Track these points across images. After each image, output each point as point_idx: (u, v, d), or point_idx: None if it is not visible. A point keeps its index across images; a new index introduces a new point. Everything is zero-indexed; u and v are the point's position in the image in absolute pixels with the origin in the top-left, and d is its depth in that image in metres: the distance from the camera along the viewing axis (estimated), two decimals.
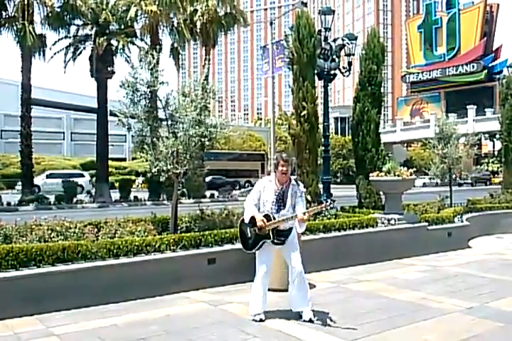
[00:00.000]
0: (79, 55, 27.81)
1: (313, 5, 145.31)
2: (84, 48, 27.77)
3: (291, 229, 5.38)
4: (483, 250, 10.61)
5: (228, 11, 29.42)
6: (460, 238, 10.64)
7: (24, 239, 6.42)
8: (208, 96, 7.29)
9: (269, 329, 5.14)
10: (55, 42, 26.77)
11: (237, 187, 38.23)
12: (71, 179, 27.83)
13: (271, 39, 21.14)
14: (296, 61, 10.63)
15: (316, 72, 11.28)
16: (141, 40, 28.41)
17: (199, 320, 5.46)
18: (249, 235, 5.41)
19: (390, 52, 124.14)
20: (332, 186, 12.43)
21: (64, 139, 58.52)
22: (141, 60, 7.29)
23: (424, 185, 48.70)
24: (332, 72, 11.95)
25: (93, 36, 26.18)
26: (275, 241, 5.30)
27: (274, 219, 5.24)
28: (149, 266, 6.47)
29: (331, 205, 5.22)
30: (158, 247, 6.68)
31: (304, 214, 5.20)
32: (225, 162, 42.50)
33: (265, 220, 5.24)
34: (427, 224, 10.07)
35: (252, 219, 5.34)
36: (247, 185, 41.94)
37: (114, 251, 6.37)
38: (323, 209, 5.27)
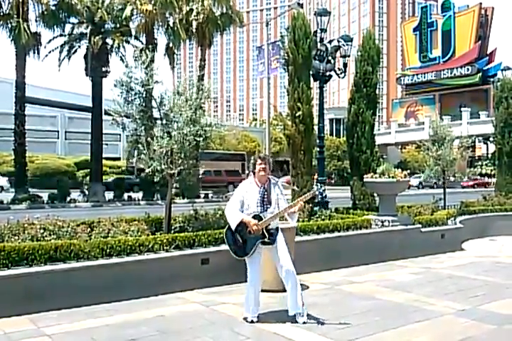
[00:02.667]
0: (74, 53, 27.74)
1: (309, 6, 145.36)
2: (79, 47, 27.71)
3: (277, 228, 5.41)
4: (477, 252, 10.64)
5: (224, 11, 29.43)
6: (453, 240, 10.66)
7: (16, 237, 6.37)
8: (203, 96, 7.27)
9: (262, 330, 5.13)
10: (50, 40, 26.68)
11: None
12: None
13: (267, 40, 21.18)
14: (291, 62, 10.62)
15: (311, 73, 11.27)
16: (137, 39, 28.39)
17: (192, 321, 5.44)
18: (241, 241, 5.30)
19: (385, 54, 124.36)
20: (326, 187, 12.44)
21: (58, 138, 58.25)
22: (135, 59, 7.26)
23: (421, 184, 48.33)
24: (327, 73, 11.94)
25: (88, 35, 26.10)
26: (266, 240, 5.27)
27: (264, 217, 5.25)
28: (142, 266, 6.44)
29: (319, 190, 5.28)
30: (152, 247, 6.66)
31: (297, 202, 5.27)
32: (205, 162, 40.84)
33: (257, 222, 5.22)
34: (420, 226, 10.09)
35: (241, 223, 5.24)
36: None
37: (107, 250, 6.34)
38: (313, 194, 5.32)
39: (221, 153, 46.48)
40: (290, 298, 5.32)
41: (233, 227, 5.29)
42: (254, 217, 5.24)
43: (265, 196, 5.35)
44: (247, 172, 52.59)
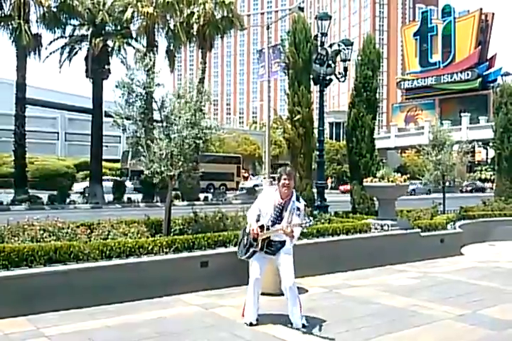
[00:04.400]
0: (74, 55, 27.75)
1: (310, 10, 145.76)
2: (80, 48, 27.71)
3: (284, 241, 5.35)
4: (476, 257, 10.64)
5: (225, 14, 29.43)
6: (453, 245, 10.65)
7: (16, 238, 6.37)
8: (203, 99, 7.29)
9: (261, 334, 5.13)
10: (51, 41, 26.66)
11: (212, 190, 37.47)
12: None
13: (267, 43, 21.19)
14: (292, 66, 10.66)
15: (311, 77, 11.31)
16: (137, 41, 28.39)
17: (191, 323, 5.44)
18: (245, 242, 5.45)
19: (385, 59, 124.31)
20: (326, 191, 12.44)
21: (58, 139, 58.23)
22: (136, 62, 7.27)
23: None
24: (328, 77, 11.98)
25: (89, 36, 26.13)
26: (266, 250, 5.32)
27: (268, 230, 5.27)
28: (142, 268, 6.44)
29: (308, 224, 5.26)
30: (151, 249, 6.66)
31: (287, 227, 5.14)
32: (200, 164, 40.00)
33: (259, 230, 5.27)
34: (419, 230, 10.08)
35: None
36: (222, 188, 41.30)
37: (107, 252, 6.34)
38: (301, 226, 5.25)
39: (215, 155, 45.90)
40: (290, 312, 5.36)
41: (247, 230, 5.44)
42: (261, 226, 5.29)
43: (279, 212, 5.33)
44: (245, 175, 52.41)
